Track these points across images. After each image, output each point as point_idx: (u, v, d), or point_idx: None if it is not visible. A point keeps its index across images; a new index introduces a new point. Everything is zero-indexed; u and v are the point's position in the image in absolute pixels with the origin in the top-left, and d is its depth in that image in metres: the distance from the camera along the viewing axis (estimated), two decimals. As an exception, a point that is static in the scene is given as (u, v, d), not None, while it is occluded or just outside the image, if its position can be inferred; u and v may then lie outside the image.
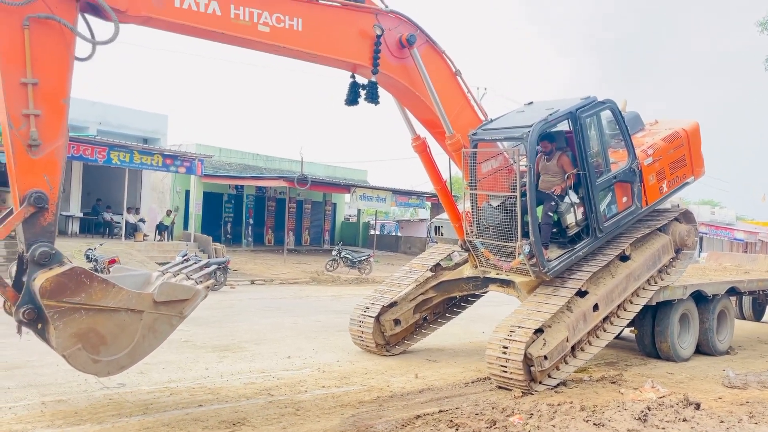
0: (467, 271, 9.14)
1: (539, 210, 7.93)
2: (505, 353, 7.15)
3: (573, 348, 7.84)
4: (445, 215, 9.45)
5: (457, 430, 5.67)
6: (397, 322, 9.34)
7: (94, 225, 24.21)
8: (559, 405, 6.42)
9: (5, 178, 4.97)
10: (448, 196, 8.81)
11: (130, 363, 5.36)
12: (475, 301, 10.45)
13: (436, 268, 9.66)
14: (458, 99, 8.17)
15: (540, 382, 7.28)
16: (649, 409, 6.06)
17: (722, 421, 5.88)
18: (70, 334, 4.90)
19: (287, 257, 26.50)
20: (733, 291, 10.70)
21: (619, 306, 8.55)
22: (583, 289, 8.02)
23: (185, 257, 10.70)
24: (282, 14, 6.22)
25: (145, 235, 23.07)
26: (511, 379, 7.16)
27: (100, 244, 18.34)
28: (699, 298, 9.95)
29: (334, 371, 8.18)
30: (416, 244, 34.62)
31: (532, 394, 7.11)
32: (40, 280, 4.77)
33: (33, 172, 4.81)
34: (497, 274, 8.52)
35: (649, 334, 9.68)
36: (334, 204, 36.32)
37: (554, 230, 8.34)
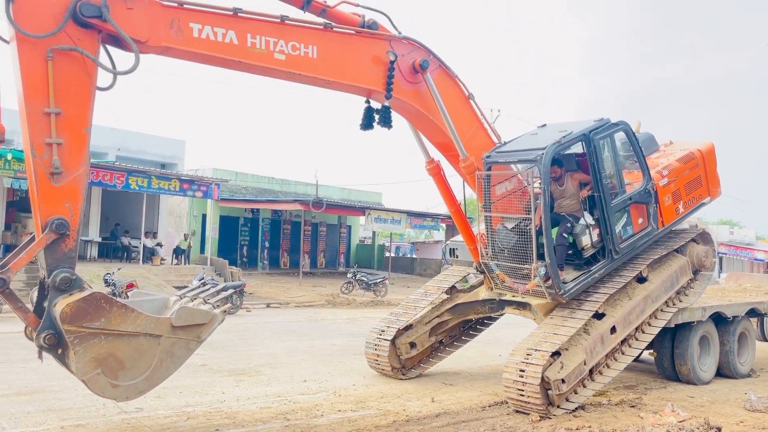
0: (483, 293, 9.10)
1: (554, 232, 7.93)
2: (522, 376, 7.09)
3: (591, 371, 7.75)
4: (459, 237, 9.46)
5: (474, 454, 5.62)
6: (413, 345, 9.31)
7: (112, 249, 24.47)
8: (577, 429, 6.35)
9: (27, 204, 5.08)
10: (463, 219, 8.83)
11: (148, 387, 5.39)
12: (491, 324, 10.38)
13: (452, 290, 9.64)
14: (471, 122, 8.23)
15: (558, 406, 7.20)
16: (669, 433, 5.97)
17: (744, 446, 5.79)
18: (89, 359, 4.95)
19: (303, 280, 26.54)
20: (753, 312, 10.53)
21: (637, 328, 8.46)
22: (600, 312, 7.95)
23: (202, 281, 10.79)
24: (297, 42, 6.34)
25: (162, 259, 23.28)
26: (529, 402, 7.09)
27: (119, 269, 18.51)
28: (719, 319, 9.82)
29: (350, 395, 8.16)
30: (431, 266, 34.51)
31: (550, 418, 7.03)
32: (60, 305, 4.84)
33: (55, 199, 4.91)
34: (513, 296, 8.48)
35: (668, 356, 9.54)
36: (349, 226, 36.40)
37: (570, 252, 8.32)
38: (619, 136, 8.49)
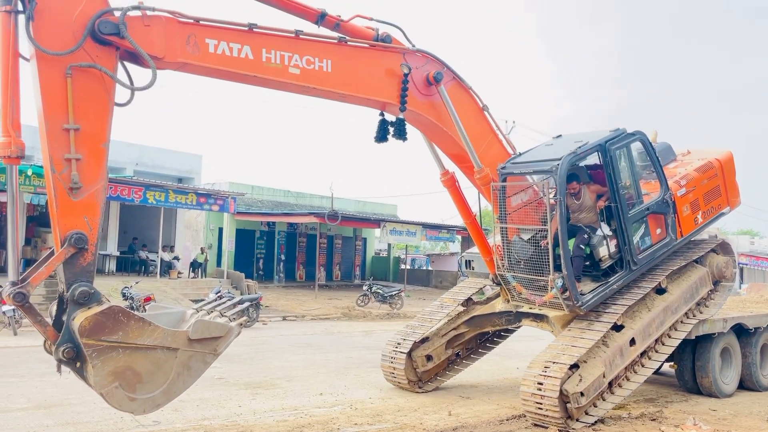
0: (499, 305, 9.04)
1: (571, 243, 7.87)
2: (540, 390, 7.01)
3: (610, 384, 7.65)
4: (475, 249, 9.42)
5: (492, 469, 5.56)
6: (429, 357, 9.26)
7: (130, 263, 24.71)
8: (597, 443, 6.26)
9: (47, 219, 5.13)
10: (478, 230, 8.81)
11: (165, 401, 5.38)
12: (508, 336, 10.31)
13: (468, 302, 9.59)
14: (486, 134, 8.22)
15: (577, 419, 7.11)
16: (691, 447, 5.87)
17: (769, 460, 5.67)
18: (107, 372, 4.96)
19: (318, 293, 26.57)
20: (775, 324, 10.36)
21: (656, 340, 8.35)
22: (618, 323, 7.87)
23: (219, 294, 10.82)
24: (312, 56, 6.37)
25: (179, 273, 23.44)
26: (547, 416, 7.01)
27: (136, 282, 18.67)
28: (740, 331, 9.67)
29: (366, 408, 8.13)
30: (447, 278, 34.39)
31: (569, 431, 6.94)
32: (79, 319, 4.86)
33: (74, 213, 4.94)
34: (530, 308, 8.42)
35: (689, 369, 9.40)
36: (365, 239, 36.43)
37: (587, 263, 8.25)
38: (636, 146, 8.43)
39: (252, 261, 30.34)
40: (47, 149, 4.85)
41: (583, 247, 8.05)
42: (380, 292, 23.07)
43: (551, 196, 7.52)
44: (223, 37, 5.76)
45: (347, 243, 35.23)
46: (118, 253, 24.22)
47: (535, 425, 7.21)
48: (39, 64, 4.81)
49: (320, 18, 6.72)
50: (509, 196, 8.04)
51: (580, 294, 7.71)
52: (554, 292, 7.52)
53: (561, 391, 6.92)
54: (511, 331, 10.09)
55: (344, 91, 6.72)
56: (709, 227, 10.00)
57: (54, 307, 5.33)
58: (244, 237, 29.77)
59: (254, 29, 5.94)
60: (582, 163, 8.30)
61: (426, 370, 9.25)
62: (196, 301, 11.83)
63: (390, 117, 7.44)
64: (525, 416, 7.43)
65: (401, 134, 7.35)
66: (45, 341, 5.19)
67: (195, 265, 24.51)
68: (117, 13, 5.08)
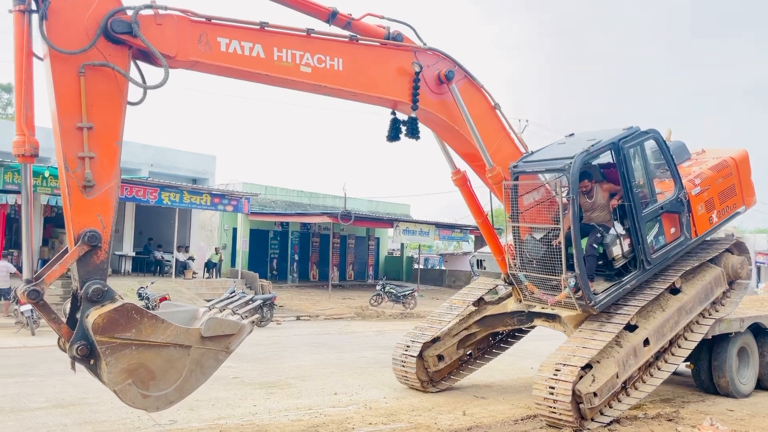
0: (511, 305, 9.00)
1: (584, 242, 7.81)
2: (552, 390, 6.95)
3: (624, 385, 7.58)
4: (487, 248, 9.37)
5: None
6: (440, 357, 9.23)
7: (145, 264, 24.91)
8: (612, 443, 6.22)
9: (63, 220, 5.16)
10: (490, 230, 8.76)
11: (178, 398, 5.39)
12: (521, 337, 10.25)
13: (480, 302, 9.53)
14: (498, 132, 8.17)
15: (591, 419, 7.05)
16: (707, 447, 5.81)
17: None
18: (120, 370, 4.98)
19: (332, 292, 26.62)
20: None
21: (671, 341, 8.26)
22: (632, 323, 7.79)
23: (233, 294, 10.89)
24: (323, 55, 6.37)
25: (194, 273, 23.59)
26: (561, 417, 6.95)
27: (152, 282, 18.83)
28: (758, 330, 9.56)
29: (380, 408, 8.13)
30: (461, 277, 34.29)
31: None
32: (93, 316, 4.89)
33: (87, 212, 4.97)
34: (542, 308, 8.37)
35: (706, 368, 9.31)
36: (378, 239, 36.45)
37: (600, 263, 8.18)
38: (650, 145, 8.35)
39: (266, 261, 30.46)
40: (61, 147, 4.88)
41: (596, 246, 7.98)
42: (393, 291, 23.08)
43: (564, 194, 7.47)
44: (235, 35, 5.78)
45: (360, 243, 35.26)
46: (133, 254, 24.41)
47: (549, 426, 7.16)
48: (52, 63, 4.84)
49: (331, 16, 6.72)
50: (521, 195, 7.98)
51: (593, 293, 7.65)
52: (567, 292, 7.45)
53: (574, 391, 6.86)
54: (523, 332, 10.03)
55: (355, 89, 6.71)
56: (726, 226, 9.88)
57: (68, 305, 5.36)
58: (258, 237, 29.90)
59: (265, 28, 5.95)
60: (595, 162, 8.24)
61: (437, 370, 9.22)
62: (209, 301, 11.91)
63: (402, 116, 7.43)
64: (539, 416, 7.38)
65: (414, 133, 7.34)
66: (59, 339, 5.22)
67: (210, 266, 24.65)
68: (129, 12, 5.11)
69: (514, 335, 10.11)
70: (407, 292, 23.17)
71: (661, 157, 8.48)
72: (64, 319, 5.25)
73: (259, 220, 28.85)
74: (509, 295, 9.27)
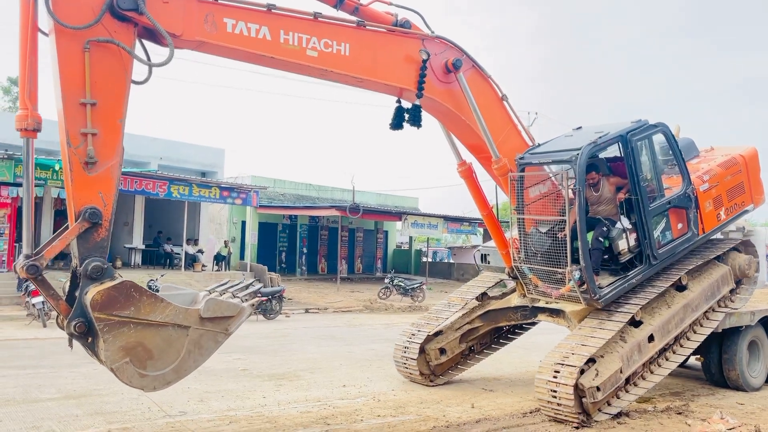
0: (515, 300, 8.92)
1: (589, 235, 7.75)
2: (555, 384, 6.88)
3: (628, 380, 7.50)
4: (491, 243, 9.31)
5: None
6: (442, 351, 9.20)
7: (155, 256, 25.07)
8: (622, 436, 6.21)
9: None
10: (495, 223, 8.67)
11: (175, 379, 5.36)
12: (523, 333, 10.16)
13: (483, 296, 9.46)
14: (505, 123, 8.11)
15: (599, 410, 6.99)
16: (717, 440, 5.79)
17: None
18: (118, 348, 4.96)
19: (340, 285, 26.69)
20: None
21: (676, 338, 8.17)
22: (637, 319, 7.70)
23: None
24: (330, 39, 6.34)
25: (203, 266, 23.71)
26: (562, 411, 6.87)
27: (161, 275, 18.93)
28: (768, 324, 9.48)
29: (389, 400, 8.15)
30: (469, 270, 34.20)
31: (585, 427, 6.81)
32: (91, 293, 4.87)
33: (89, 188, 4.97)
34: (546, 302, 8.29)
35: (716, 362, 9.27)
36: (386, 232, 36.46)
37: (606, 257, 8.09)
38: (658, 139, 8.24)
39: (274, 254, 30.55)
40: (64, 123, 4.88)
41: (601, 239, 7.88)
42: (402, 284, 23.11)
43: (570, 186, 7.40)
44: (242, 16, 5.75)
45: (369, 236, 35.27)
46: (143, 247, 24.56)
47: (551, 420, 7.09)
48: (57, 39, 4.84)
49: (339, 1, 6.68)
50: (527, 187, 7.89)
51: (598, 287, 7.56)
52: (571, 285, 7.36)
53: (576, 385, 6.79)
54: (526, 327, 9.95)
55: (361, 75, 6.66)
56: (735, 222, 9.80)
57: (68, 283, 5.33)
58: (266, 230, 29.98)
59: (273, 10, 5.92)
60: (602, 155, 8.18)
61: (439, 363, 9.19)
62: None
63: (406, 104, 7.38)
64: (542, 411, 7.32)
65: (416, 121, 7.29)
66: (58, 316, 5.20)
67: (219, 258, 24.77)
68: None
69: (516, 331, 10.02)
70: (415, 285, 23.19)
71: (670, 151, 8.39)
72: (64, 297, 5.21)
73: (268, 213, 28.91)
74: (513, 291, 9.22)
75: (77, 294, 5.01)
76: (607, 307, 7.71)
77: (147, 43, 5.55)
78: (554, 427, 6.91)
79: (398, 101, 7.35)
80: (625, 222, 7.94)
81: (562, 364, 6.96)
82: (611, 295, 7.66)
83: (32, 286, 13.49)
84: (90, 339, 5.01)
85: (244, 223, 27.95)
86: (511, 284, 9.61)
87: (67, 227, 5.07)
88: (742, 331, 9.04)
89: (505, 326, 9.67)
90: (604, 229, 7.90)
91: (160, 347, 5.18)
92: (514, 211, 7.98)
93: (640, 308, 7.70)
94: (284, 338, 13.73)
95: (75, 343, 5.18)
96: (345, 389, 8.73)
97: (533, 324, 9.55)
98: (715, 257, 8.81)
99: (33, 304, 14.22)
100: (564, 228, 7.39)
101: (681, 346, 8.26)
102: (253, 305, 5.98)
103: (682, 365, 9.25)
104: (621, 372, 7.23)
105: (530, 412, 7.58)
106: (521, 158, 7.96)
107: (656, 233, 8.03)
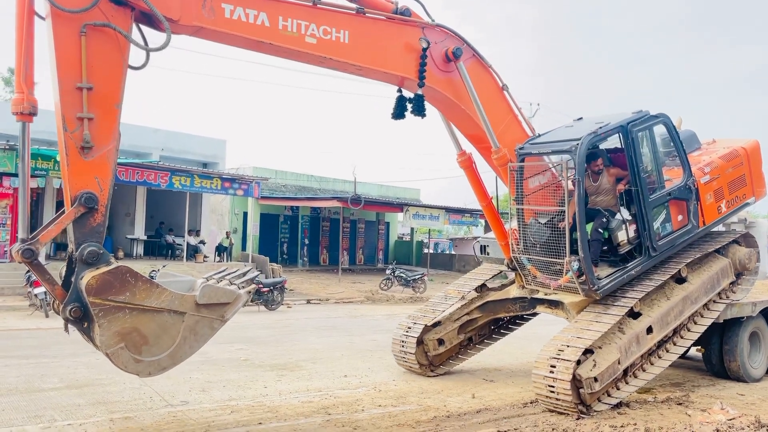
0: (514, 291, 8.90)
1: (589, 226, 7.72)
2: (552, 374, 6.87)
3: (626, 371, 7.49)
4: (491, 234, 9.29)
5: (516, 451, 5.56)
6: (441, 342, 9.19)
7: (157, 247, 25.10)
8: (622, 427, 6.22)
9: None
10: (495, 214, 8.64)
11: (171, 364, 5.35)
12: (522, 324, 10.14)
13: (482, 288, 9.43)
14: (505, 113, 8.06)
15: (598, 400, 7.00)
16: (718, 431, 5.81)
17: (795, 446, 5.59)
18: (113, 333, 4.95)
19: (342, 276, 26.72)
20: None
21: (675, 330, 8.15)
22: (636, 310, 7.68)
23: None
24: (329, 26, 6.29)
25: (205, 257, 23.74)
26: (560, 401, 6.87)
27: (163, 266, 18.92)
28: (770, 315, 9.48)
29: (390, 390, 8.18)
30: (470, 262, 34.15)
31: (585, 417, 6.80)
32: (87, 278, 4.86)
33: (85, 173, 4.95)
34: (545, 294, 8.27)
35: (716, 353, 9.28)
36: (388, 223, 36.46)
37: (605, 248, 8.06)
38: (659, 130, 8.20)
39: (276, 245, 30.57)
40: (60, 108, 4.86)
41: (601, 230, 7.84)
42: (403, 276, 23.14)
43: (570, 176, 7.36)
44: (240, 2, 5.71)
45: (370, 227, 35.27)
46: (145, 238, 24.58)
47: (549, 411, 7.09)
48: (54, 22, 4.81)
49: None
50: (527, 177, 7.85)
51: (597, 278, 7.53)
52: (570, 276, 7.33)
53: (574, 376, 6.78)
54: (526, 319, 9.94)
55: (361, 63, 6.62)
56: (735, 215, 9.76)
57: (64, 269, 5.32)
58: (268, 221, 29.99)
59: (271, -4, 5.85)
60: (602, 146, 8.14)
61: (437, 354, 9.18)
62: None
63: (408, 93, 7.33)
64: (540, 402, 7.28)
65: (419, 110, 7.22)
66: (53, 301, 5.20)
67: (220, 249, 24.79)
68: None
69: (515, 322, 10.00)
70: (417, 276, 23.22)
71: (671, 143, 8.34)
72: (60, 282, 5.19)
73: (270, 204, 28.91)
74: (513, 282, 9.20)
75: (73, 279, 5.00)
76: (605, 299, 7.68)
77: (145, 29, 5.52)
78: (555, 417, 6.92)
79: (399, 91, 7.30)
80: (624, 213, 7.91)
81: (558, 359, 6.93)
82: (610, 287, 7.64)
83: (34, 277, 13.55)
84: (86, 324, 5.01)
85: (245, 214, 27.96)
86: (511, 275, 9.61)
87: (63, 212, 5.06)
88: (744, 322, 9.04)
89: (504, 317, 9.66)
90: (604, 220, 7.87)
91: (156, 333, 5.17)
92: (513, 202, 7.95)
93: (639, 300, 7.67)
94: (286, 329, 13.77)
95: (75, 332, 5.19)
96: (346, 379, 8.76)
97: (533, 315, 9.54)
98: (716, 250, 8.78)
99: (35, 295, 14.26)
100: (564, 219, 7.37)
101: (680, 338, 8.24)
102: (250, 292, 5.97)
103: (683, 356, 9.26)
104: (619, 363, 7.21)
105: (531, 403, 7.60)
106: (521, 148, 7.92)
107: (656, 225, 7.99)
